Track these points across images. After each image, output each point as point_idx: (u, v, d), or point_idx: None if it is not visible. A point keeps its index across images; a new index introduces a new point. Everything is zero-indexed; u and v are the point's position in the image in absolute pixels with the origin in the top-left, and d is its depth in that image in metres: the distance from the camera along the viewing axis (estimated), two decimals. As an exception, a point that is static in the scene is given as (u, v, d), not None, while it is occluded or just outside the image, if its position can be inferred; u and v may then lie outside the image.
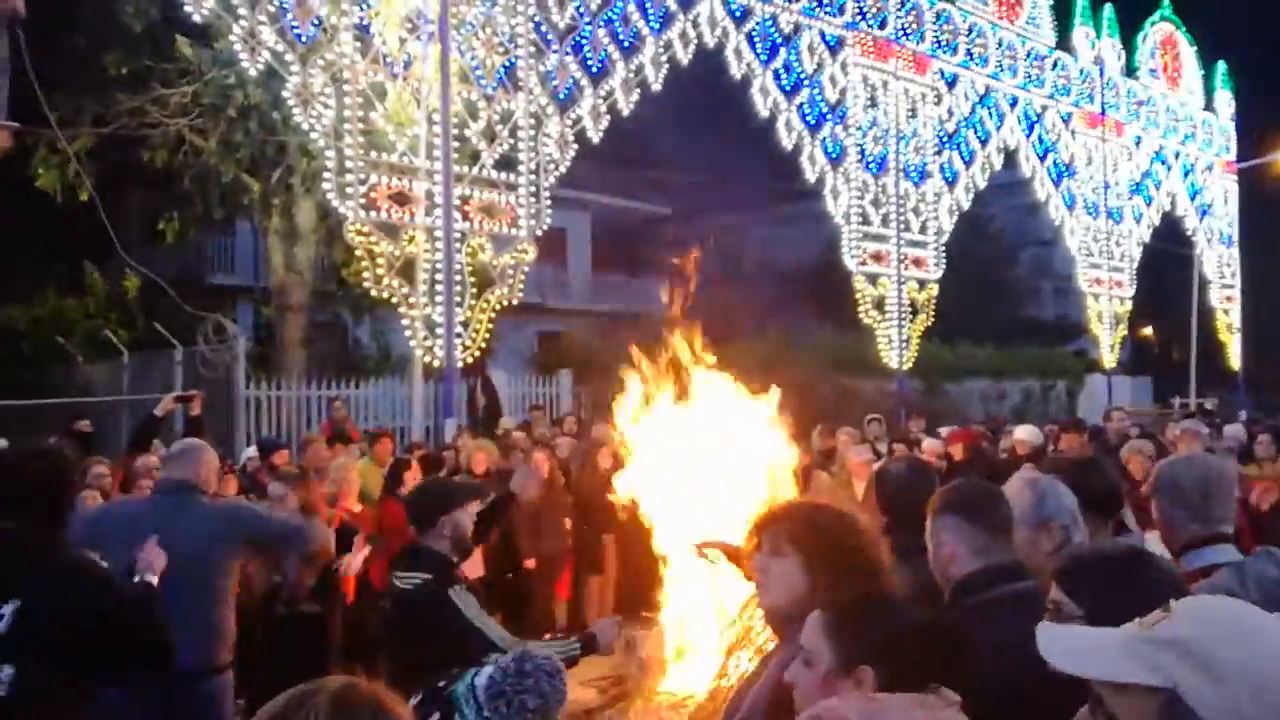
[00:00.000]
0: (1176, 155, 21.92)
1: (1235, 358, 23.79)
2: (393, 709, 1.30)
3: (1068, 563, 2.01)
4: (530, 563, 8.50)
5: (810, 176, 15.07)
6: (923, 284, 16.44)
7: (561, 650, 3.84)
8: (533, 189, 11.59)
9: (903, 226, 16.02)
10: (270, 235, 15.01)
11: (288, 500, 5.80)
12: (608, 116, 12.17)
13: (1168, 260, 24.27)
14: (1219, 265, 23.44)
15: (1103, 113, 19.65)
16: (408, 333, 10.97)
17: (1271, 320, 28.20)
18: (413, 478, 7.75)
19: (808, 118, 14.73)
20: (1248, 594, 2.22)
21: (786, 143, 14.65)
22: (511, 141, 11.44)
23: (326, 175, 10.33)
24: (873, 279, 15.78)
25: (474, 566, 6.25)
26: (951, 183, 16.86)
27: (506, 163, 11.44)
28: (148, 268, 15.04)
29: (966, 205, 17.28)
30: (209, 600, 4.28)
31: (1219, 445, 9.09)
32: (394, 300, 10.77)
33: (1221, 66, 23.42)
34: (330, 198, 10.39)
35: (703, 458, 5.21)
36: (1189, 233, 22.69)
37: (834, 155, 15.14)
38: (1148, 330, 35.03)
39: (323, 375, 13.73)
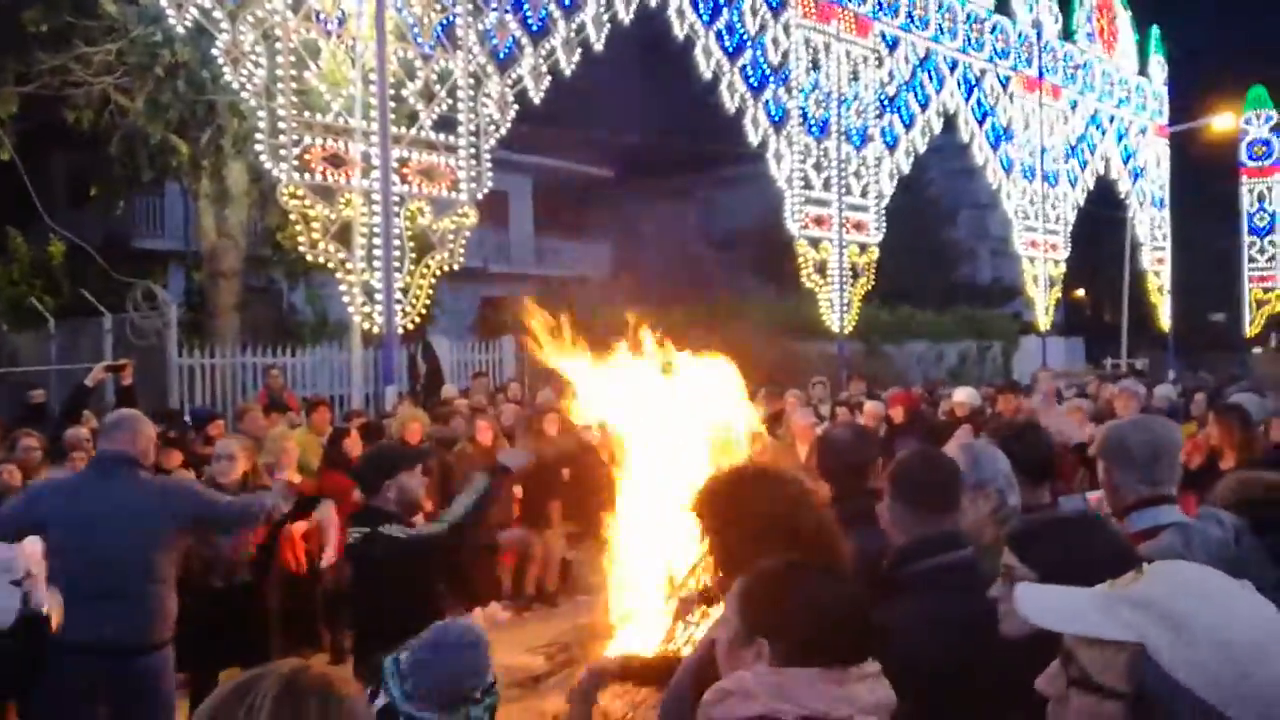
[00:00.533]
0: (1111, 119, 22.26)
1: (1165, 319, 24.38)
2: (342, 692, 1.25)
3: (1020, 528, 2.01)
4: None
5: (754, 140, 15.03)
6: (864, 248, 16.55)
7: (475, 494, 4.05)
8: (473, 151, 11.39)
9: (844, 190, 16.08)
10: (201, 199, 14.61)
11: (235, 462, 5.62)
12: (549, 77, 11.98)
13: (1100, 223, 24.74)
14: (1151, 228, 23.94)
15: (1040, 76, 19.86)
16: (346, 299, 10.75)
17: (1200, 282, 28.93)
18: (353, 446, 7.64)
19: (751, 80, 14.66)
20: (1193, 554, 2.24)
21: (730, 105, 14.58)
22: (450, 102, 11.21)
23: (258, 136, 10.03)
24: (815, 243, 15.84)
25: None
26: (892, 146, 16.95)
27: (445, 124, 11.21)
28: (73, 232, 14.58)
29: (907, 169, 17.39)
30: (146, 577, 4.18)
31: (1151, 405, 9.31)
32: (331, 266, 10.55)
33: (1155, 31, 23.78)
34: (263, 159, 10.10)
35: (653, 422, 5.19)
36: (1122, 196, 23.11)
37: (777, 118, 15.11)
38: (1080, 292, 35.76)
39: (257, 342, 13.44)
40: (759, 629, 1.70)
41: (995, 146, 18.90)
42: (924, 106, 17.37)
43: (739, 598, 1.78)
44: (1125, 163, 22.86)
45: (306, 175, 10.10)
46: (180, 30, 10.21)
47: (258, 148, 10.08)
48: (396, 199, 10.65)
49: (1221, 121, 24.28)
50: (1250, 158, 25.07)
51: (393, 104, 10.57)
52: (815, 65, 15.59)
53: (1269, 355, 25.40)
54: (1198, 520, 2.44)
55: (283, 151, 9.94)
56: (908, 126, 17.14)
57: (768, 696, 1.61)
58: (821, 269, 15.98)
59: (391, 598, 3.79)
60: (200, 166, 14.03)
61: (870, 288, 16.77)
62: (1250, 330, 25.56)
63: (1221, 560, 2.04)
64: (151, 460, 4.49)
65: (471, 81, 11.33)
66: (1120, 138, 22.65)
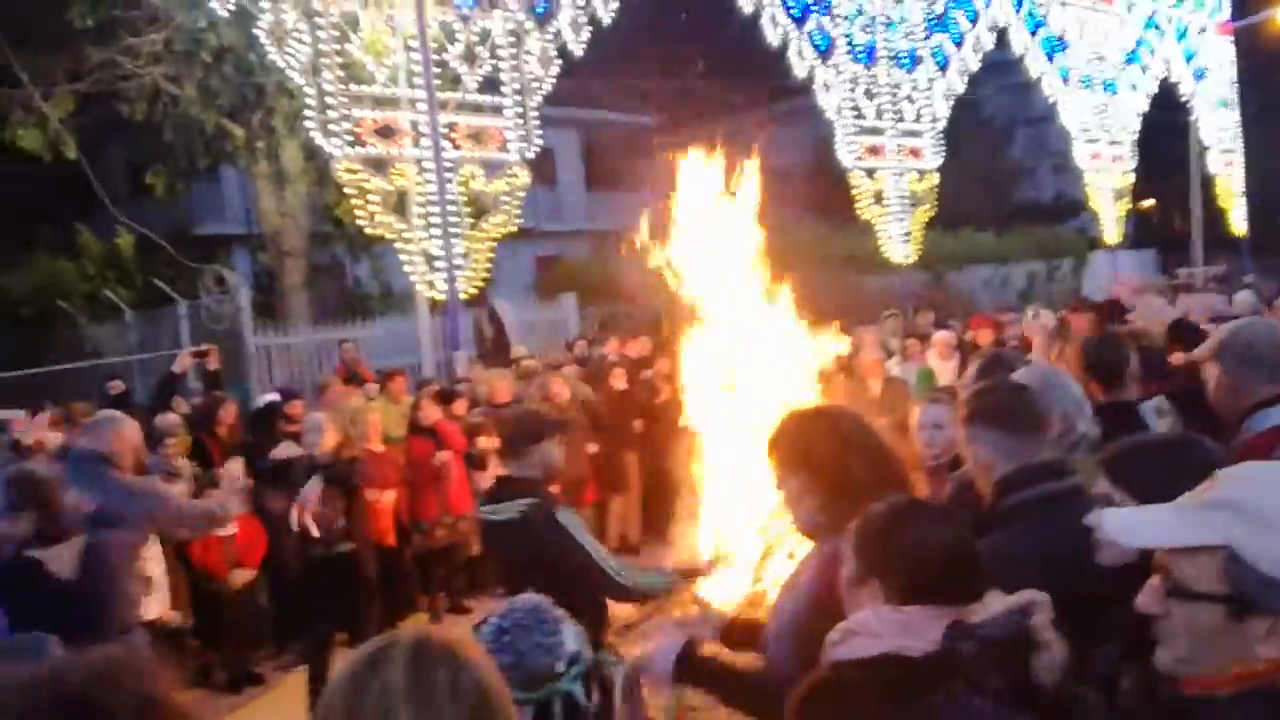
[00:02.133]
0: (1169, 20, 21.38)
1: (1239, 223, 23.55)
2: (470, 657, 1.27)
3: (1114, 453, 1.99)
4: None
5: (800, 72, 14.75)
6: (922, 174, 16.22)
7: (660, 581, 3.94)
8: (519, 110, 11.37)
9: (897, 117, 15.75)
10: (259, 180, 14.80)
11: (325, 434, 5.85)
12: (588, 28, 11.87)
13: (1163, 129, 23.87)
14: (1217, 130, 23.05)
15: (1093, -20, 19.12)
16: (407, 268, 10.88)
17: (1273, 182, 27.82)
18: (432, 413, 7.80)
19: (792, 10, 14.36)
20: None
21: (773, 39, 14.30)
22: (493, 62, 11.18)
23: (308, 113, 10.14)
24: (870, 173, 15.57)
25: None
26: (943, 67, 16.51)
27: (489, 85, 11.20)
28: (136, 223, 14.87)
29: (961, 89, 16.92)
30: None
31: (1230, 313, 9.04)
32: (390, 236, 10.66)
33: (1212, -79, 22.68)
34: (314, 136, 10.22)
35: (734, 363, 5.20)
36: (1185, 99, 22.25)
37: (822, 48, 14.80)
38: (1148, 202, 34.68)
39: (326, 318, 13.67)
40: (872, 569, 1.75)
41: (1050, 58, 18.29)
42: (973, 22, 16.84)
43: (854, 539, 1.82)
44: (1187, 63, 21.97)
45: (359, 148, 10.19)
46: (223, 14, 10.31)
47: (309, 125, 10.18)
48: (448, 164, 10.70)
49: (1288, 12, 23.16)
50: (1321, 47, 23.94)
51: (436, 69, 10.58)
52: (858, -10, 15.21)
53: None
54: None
55: (333, 126, 10.03)
56: (958, 45, 16.66)
57: (892, 634, 1.66)
58: (878, 199, 15.72)
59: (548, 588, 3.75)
60: (255, 149, 14.19)
61: (931, 215, 16.46)
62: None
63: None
64: (130, 461, 4.57)
65: (512, 39, 11.28)
66: (1181, 37, 21.75)
